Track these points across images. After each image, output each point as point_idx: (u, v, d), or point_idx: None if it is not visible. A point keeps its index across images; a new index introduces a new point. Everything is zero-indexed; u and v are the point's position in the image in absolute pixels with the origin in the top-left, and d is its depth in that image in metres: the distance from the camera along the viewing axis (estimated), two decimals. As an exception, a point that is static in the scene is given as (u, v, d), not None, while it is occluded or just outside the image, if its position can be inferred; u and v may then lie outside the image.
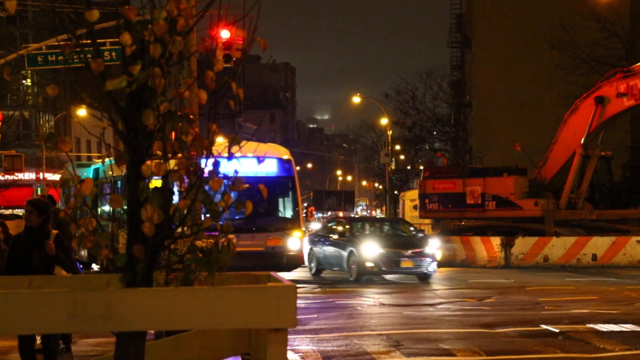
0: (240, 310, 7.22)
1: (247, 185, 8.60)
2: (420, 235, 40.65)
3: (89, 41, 7.49)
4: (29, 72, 31.32)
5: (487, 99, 75.17)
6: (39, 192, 31.50)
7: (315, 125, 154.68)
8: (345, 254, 37.48)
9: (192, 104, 7.79)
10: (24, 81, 48.65)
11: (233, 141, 7.26)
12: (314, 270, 36.51)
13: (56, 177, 40.32)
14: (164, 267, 7.50)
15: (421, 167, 79.30)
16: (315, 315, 23.50)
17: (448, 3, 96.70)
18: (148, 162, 7.18)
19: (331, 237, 40.15)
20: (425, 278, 35.96)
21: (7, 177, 40.51)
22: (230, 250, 7.78)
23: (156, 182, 7.50)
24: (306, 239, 33.77)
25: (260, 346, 7.74)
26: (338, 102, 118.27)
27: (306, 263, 33.96)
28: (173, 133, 7.41)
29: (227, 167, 8.71)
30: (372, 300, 28.91)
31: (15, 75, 31.04)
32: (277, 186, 26.43)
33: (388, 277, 37.72)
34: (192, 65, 8.90)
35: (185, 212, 7.31)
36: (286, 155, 25.81)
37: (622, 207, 43.48)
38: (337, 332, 20.31)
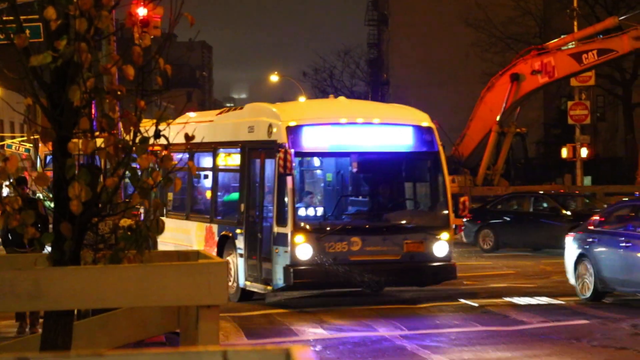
0: (171, 287, 7.36)
1: (175, 162, 8.39)
2: None
3: (11, 17, 7.46)
4: None
5: (404, 77, 75.43)
6: None
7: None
8: None
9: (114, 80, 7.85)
10: None
11: (160, 118, 7.25)
12: (589, 293, 18.56)
13: None
14: (92, 245, 7.49)
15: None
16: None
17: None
18: (75, 140, 7.13)
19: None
20: None
21: None
22: (159, 228, 7.80)
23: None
24: (569, 240, 19.03)
25: (191, 324, 7.80)
26: (256, 81, 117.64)
27: (570, 279, 18.95)
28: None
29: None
30: None
31: None
32: (415, 166, 18.54)
33: None
34: (111, 43, 8.79)
35: (112, 190, 7.23)
36: (426, 122, 17.65)
37: (537, 182, 44.18)
38: None
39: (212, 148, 20.50)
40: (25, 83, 7.57)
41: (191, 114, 24.58)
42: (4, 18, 7.35)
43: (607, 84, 50.25)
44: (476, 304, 19.87)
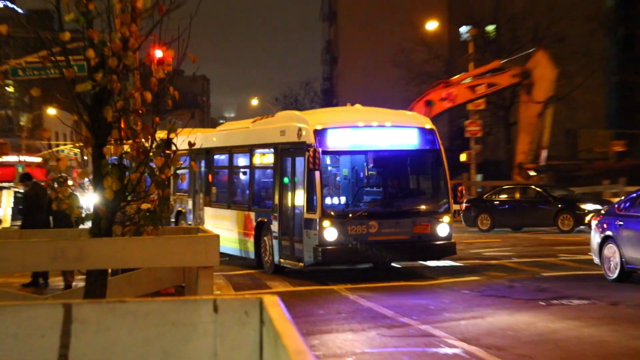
0: (178, 253, 7.28)
1: (181, 163, 8.18)
2: None
3: (62, 57, 7.33)
4: (11, 81, 30.17)
5: (350, 102, 75.54)
6: (19, 170, 29.58)
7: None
8: None
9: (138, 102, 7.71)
10: (7, 88, 47.66)
11: (171, 130, 7.07)
12: (615, 273, 15.18)
13: (34, 159, 38.53)
14: (121, 222, 7.37)
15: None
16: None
17: (320, 31, 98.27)
18: (108, 146, 7.07)
19: None
20: None
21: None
22: (169, 210, 7.63)
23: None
24: (595, 223, 16.18)
25: (192, 280, 7.71)
26: (242, 103, 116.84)
27: (595, 259, 15.98)
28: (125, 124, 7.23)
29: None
30: None
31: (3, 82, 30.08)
32: (420, 161, 17.02)
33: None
34: (135, 75, 8.41)
35: (135, 182, 7.13)
36: (428, 124, 16.54)
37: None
38: None
39: (249, 149, 18.84)
40: (73, 105, 7.47)
41: (230, 123, 23.08)
42: (58, 58, 7.26)
43: (493, 108, 50.97)
44: (399, 265, 18.28)
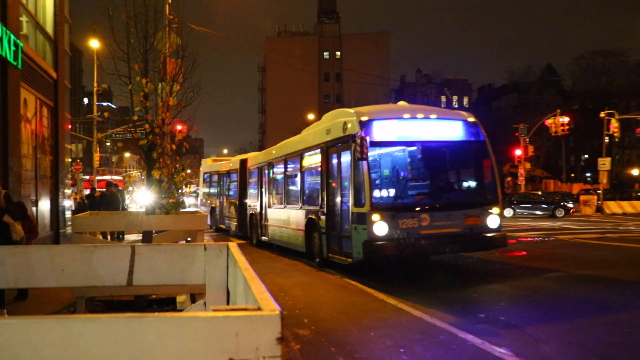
0: (188, 223, 10.25)
1: (184, 174, 11.10)
2: None
3: (133, 129, 10.82)
4: (108, 140, 40.41)
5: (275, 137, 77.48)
6: (111, 182, 34.84)
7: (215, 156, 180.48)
8: None
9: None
10: (107, 143, 62.91)
11: (179, 164, 11.11)
12: None
13: (118, 177, 51.44)
14: (159, 208, 10.56)
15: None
16: None
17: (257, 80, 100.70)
18: (153, 171, 10.48)
19: None
20: None
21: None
22: (183, 204, 11.04)
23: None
24: None
25: (194, 236, 10.53)
26: (220, 151, 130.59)
27: None
28: (161, 159, 10.59)
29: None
30: None
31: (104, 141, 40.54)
32: (467, 153, 14.58)
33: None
34: (167, 136, 10.69)
35: (166, 188, 10.50)
36: (471, 118, 14.57)
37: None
38: None
39: (299, 154, 17.08)
40: (137, 150, 10.69)
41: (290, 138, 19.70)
42: (131, 128, 11.06)
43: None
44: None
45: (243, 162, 23.72)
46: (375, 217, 12.47)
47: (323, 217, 14.76)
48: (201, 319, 1.89)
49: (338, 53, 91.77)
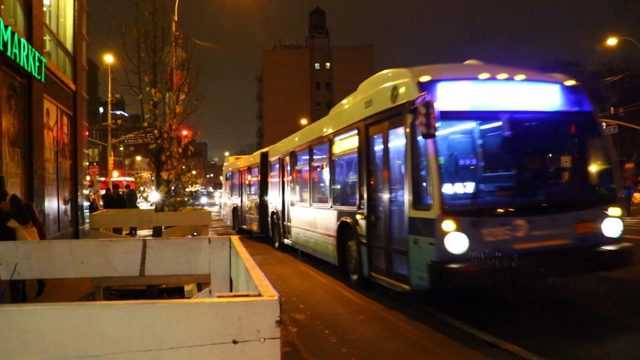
0: (194, 218, 9.99)
1: (189, 174, 11.24)
2: None
3: (143, 134, 10.65)
4: (121, 145, 40.73)
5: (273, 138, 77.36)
6: (124, 183, 35.04)
7: (214, 162, 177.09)
8: None
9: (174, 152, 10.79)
10: (120, 148, 63.02)
11: (185, 165, 11.11)
12: None
13: (130, 178, 51.12)
14: (168, 206, 10.47)
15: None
16: None
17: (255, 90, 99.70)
18: (162, 172, 10.43)
19: None
20: None
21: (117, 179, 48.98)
22: (188, 203, 10.92)
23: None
24: None
25: (199, 231, 9.95)
26: (221, 154, 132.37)
27: None
28: (169, 162, 10.54)
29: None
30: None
31: (118, 146, 41.27)
32: (569, 129, 8.27)
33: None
34: (174, 141, 10.57)
35: (174, 188, 10.42)
36: (572, 81, 8.31)
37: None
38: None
39: (328, 139, 11.93)
40: (148, 154, 10.66)
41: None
42: (141, 134, 10.54)
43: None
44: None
45: (264, 155, 19.04)
46: (449, 225, 7.30)
47: (362, 222, 9.80)
48: (207, 305, 1.90)
49: (328, 64, 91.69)
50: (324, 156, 12.57)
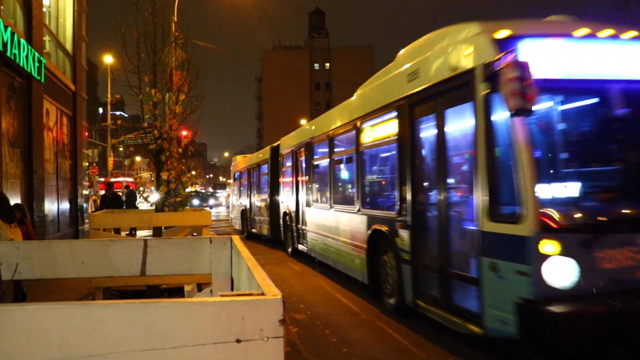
0: (195, 219, 9.89)
1: (189, 174, 11.46)
2: None
3: (143, 135, 10.72)
4: (121, 145, 40.99)
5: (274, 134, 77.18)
6: (124, 183, 35.00)
7: (214, 162, 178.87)
8: None
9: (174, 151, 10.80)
10: (120, 148, 63.18)
11: (185, 166, 11.21)
12: None
13: (130, 179, 51.50)
14: (168, 206, 10.49)
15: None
16: None
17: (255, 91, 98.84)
18: (162, 172, 10.43)
19: None
20: None
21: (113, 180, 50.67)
22: (188, 202, 10.96)
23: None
24: None
25: (200, 231, 9.91)
26: (220, 155, 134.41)
27: None
28: (169, 162, 10.56)
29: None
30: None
31: (117, 146, 42.34)
32: None
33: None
34: (174, 141, 10.48)
35: (174, 188, 10.42)
36: None
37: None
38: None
39: (354, 127, 9.48)
40: (148, 154, 10.59)
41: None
42: (141, 134, 10.68)
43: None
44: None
45: (274, 150, 16.61)
46: (550, 247, 4.93)
47: (404, 233, 7.44)
48: (210, 304, 1.89)
49: (327, 65, 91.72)
50: (349, 147, 10.05)
